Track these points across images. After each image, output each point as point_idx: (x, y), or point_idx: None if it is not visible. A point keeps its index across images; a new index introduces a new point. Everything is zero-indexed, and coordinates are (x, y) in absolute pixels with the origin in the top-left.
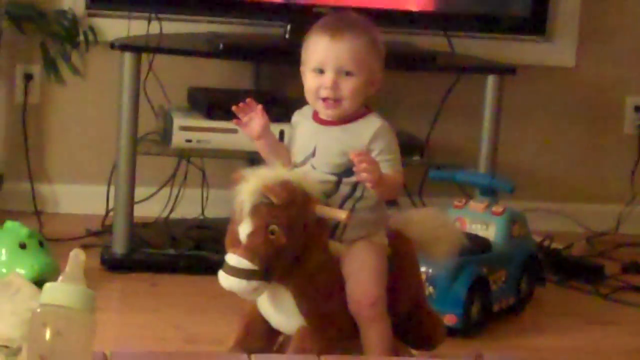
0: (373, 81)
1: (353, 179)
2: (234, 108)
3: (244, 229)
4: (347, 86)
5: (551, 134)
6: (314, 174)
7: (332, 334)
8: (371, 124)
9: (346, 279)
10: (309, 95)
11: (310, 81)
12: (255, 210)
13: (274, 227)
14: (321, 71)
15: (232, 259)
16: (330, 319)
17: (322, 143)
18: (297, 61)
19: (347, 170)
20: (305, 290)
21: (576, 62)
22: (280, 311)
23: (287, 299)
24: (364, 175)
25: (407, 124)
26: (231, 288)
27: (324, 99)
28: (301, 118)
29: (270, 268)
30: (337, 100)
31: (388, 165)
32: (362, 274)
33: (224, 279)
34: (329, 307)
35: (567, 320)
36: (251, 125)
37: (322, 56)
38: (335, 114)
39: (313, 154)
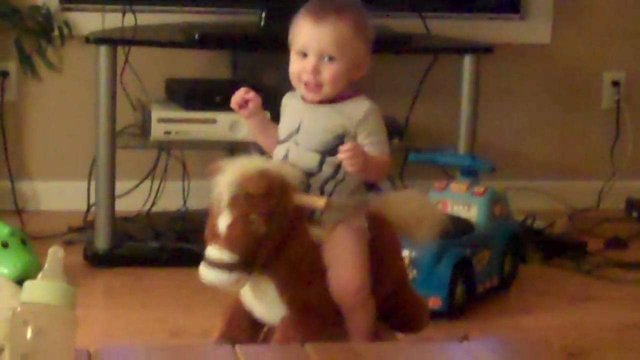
0: (358, 65)
1: (336, 159)
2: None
3: (223, 221)
4: (328, 72)
5: (529, 112)
6: (297, 151)
7: (316, 322)
8: (360, 106)
9: (328, 267)
10: (292, 78)
11: (294, 64)
12: (234, 201)
13: (253, 216)
14: (304, 54)
15: (213, 251)
16: (313, 307)
17: (307, 120)
18: (273, 48)
19: (331, 149)
20: (287, 279)
21: (552, 39)
22: (263, 302)
23: (269, 289)
24: (348, 167)
25: (386, 107)
26: (212, 281)
27: (306, 83)
28: (290, 99)
29: (251, 259)
30: (318, 85)
31: (375, 148)
32: (343, 262)
33: (205, 273)
34: (311, 296)
35: (551, 298)
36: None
37: (305, 40)
38: (316, 98)
39: (297, 131)
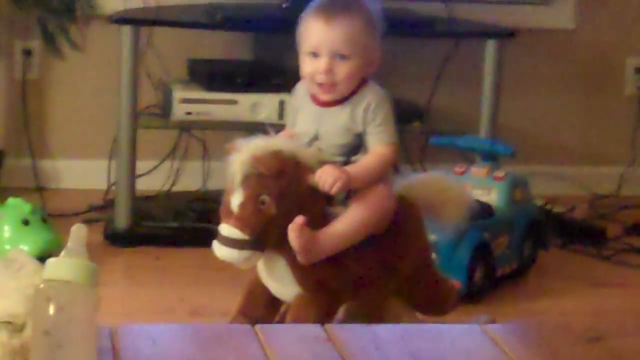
0: (371, 60)
1: (359, 156)
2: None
3: (236, 199)
4: (342, 70)
5: (551, 97)
6: (320, 153)
7: (329, 300)
8: (363, 99)
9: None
10: (306, 79)
11: (306, 65)
12: (246, 181)
13: (264, 197)
14: (316, 55)
15: (224, 229)
16: (325, 286)
17: (324, 127)
18: (295, 31)
19: (353, 149)
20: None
21: (576, 25)
22: (277, 279)
23: (283, 267)
24: (327, 189)
25: (407, 90)
26: (224, 257)
27: (320, 84)
28: (300, 101)
29: (261, 237)
30: (332, 85)
31: (377, 138)
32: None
33: (217, 249)
34: (323, 275)
35: (570, 284)
36: None
37: (317, 40)
38: (332, 97)
39: (317, 137)
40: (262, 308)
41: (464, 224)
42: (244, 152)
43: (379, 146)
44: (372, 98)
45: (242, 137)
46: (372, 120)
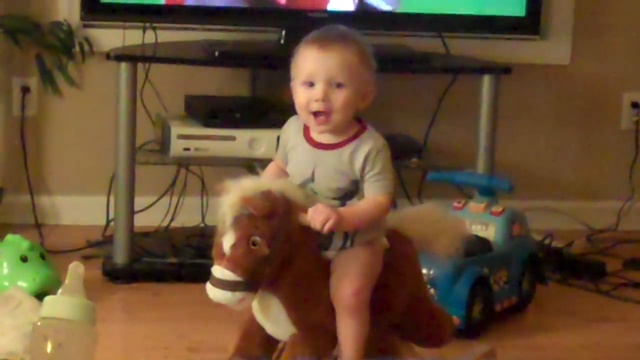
0: (364, 94)
1: (355, 200)
2: None
3: (227, 241)
4: (338, 98)
5: (548, 132)
6: (312, 196)
7: (323, 340)
8: (363, 146)
9: (333, 272)
10: (300, 110)
11: (301, 95)
12: (237, 222)
13: (255, 238)
14: (311, 84)
15: (217, 270)
16: (320, 326)
17: (320, 169)
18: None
19: (348, 193)
20: (293, 298)
21: (571, 60)
22: (272, 319)
23: (277, 306)
24: (317, 226)
25: (405, 126)
26: (217, 299)
27: (315, 113)
28: (293, 139)
29: (254, 278)
30: (327, 114)
31: (374, 186)
32: (351, 267)
33: (211, 291)
34: (318, 314)
35: (569, 319)
36: None
37: (312, 68)
38: (326, 128)
39: (312, 179)
40: (259, 347)
41: (460, 256)
42: (234, 194)
43: (374, 195)
44: (373, 146)
45: (240, 173)
46: (370, 169)
